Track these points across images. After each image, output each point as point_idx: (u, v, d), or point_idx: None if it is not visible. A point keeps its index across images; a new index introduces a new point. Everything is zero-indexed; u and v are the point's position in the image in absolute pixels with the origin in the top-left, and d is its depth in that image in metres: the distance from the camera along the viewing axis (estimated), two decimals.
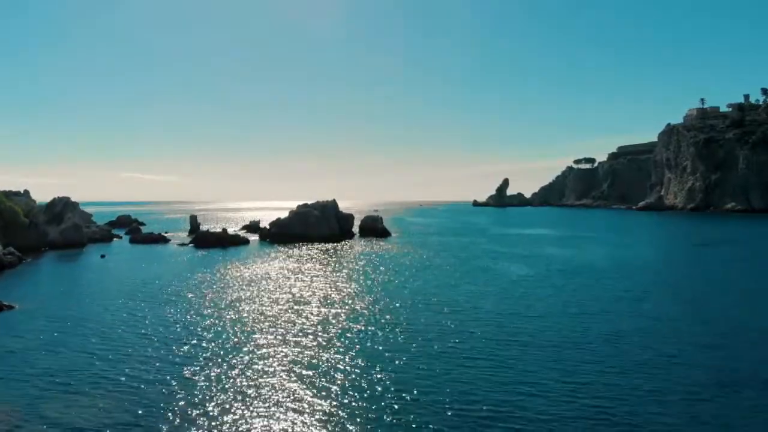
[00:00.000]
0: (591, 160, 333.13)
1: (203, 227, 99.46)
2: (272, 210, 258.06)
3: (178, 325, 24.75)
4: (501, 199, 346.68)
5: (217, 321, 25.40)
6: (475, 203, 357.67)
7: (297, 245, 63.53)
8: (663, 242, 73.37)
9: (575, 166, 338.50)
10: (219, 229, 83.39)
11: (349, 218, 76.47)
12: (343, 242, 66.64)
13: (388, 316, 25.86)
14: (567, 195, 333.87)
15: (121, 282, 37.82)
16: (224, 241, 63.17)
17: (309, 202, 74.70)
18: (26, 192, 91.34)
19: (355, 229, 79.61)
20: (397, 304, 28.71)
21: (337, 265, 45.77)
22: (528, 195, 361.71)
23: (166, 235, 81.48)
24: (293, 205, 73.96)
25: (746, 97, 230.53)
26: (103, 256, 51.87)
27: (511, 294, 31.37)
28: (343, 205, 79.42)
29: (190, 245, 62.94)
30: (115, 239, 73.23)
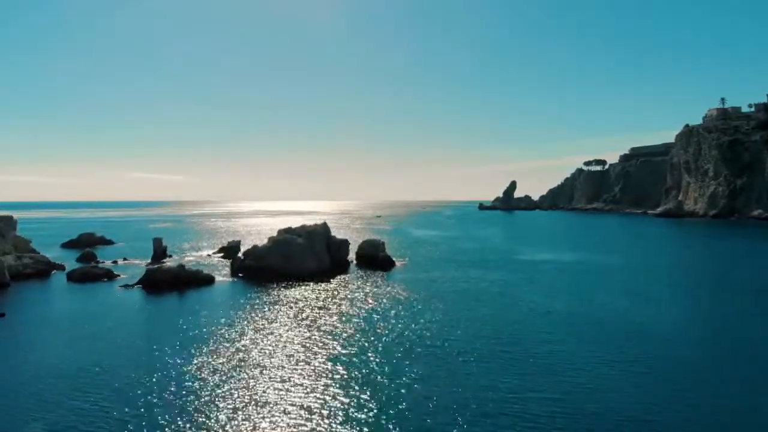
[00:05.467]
0: (602, 162, 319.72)
1: (181, 245, 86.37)
2: (275, 215, 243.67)
3: None
4: (508, 201, 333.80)
5: None
6: (481, 207, 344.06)
7: (274, 285, 49.87)
8: (736, 282, 59.42)
9: (585, 167, 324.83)
10: (191, 256, 70.30)
11: (343, 245, 62.64)
12: (333, 280, 52.91)
13: None
14: (577, 198, 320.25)
15: None
16: (181, 281, 49.49)
17: (293, 226, 60.92)
18: None
19: (352, 254, 66.06)
20: None
21: (309, 340, 32.28)
22: (535, 197, 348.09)
23: (124, 262, 68.16)
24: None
25: None
26: (2, 315, 38.14)
27: None
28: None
29: (138, 287, 49.26)
30: (55, 271, 59.57)
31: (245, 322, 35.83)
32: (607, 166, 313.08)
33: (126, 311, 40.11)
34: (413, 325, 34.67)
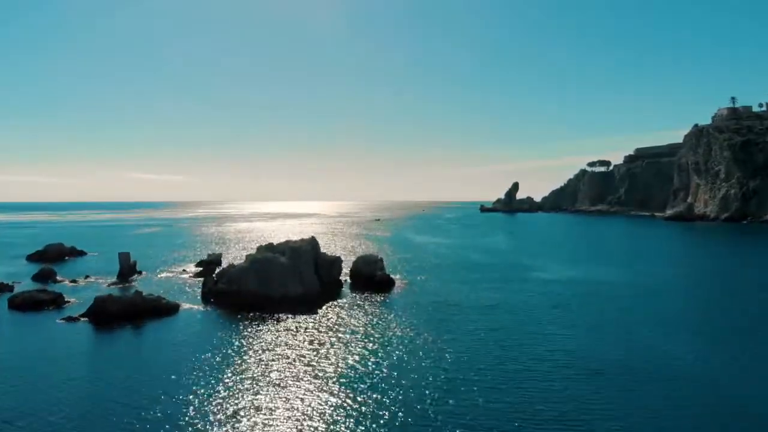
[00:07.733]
0: (606, 163, 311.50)
1: (158, 257, 77.95)
2: (272, 218, 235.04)
3: None
4: (510, 203, 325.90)
5: None
6: (483, 208, 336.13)
7: (250, 316, 41.59)
8: None
9: (589, 168, 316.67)
10: (164, 273, 61.61)
11: (335, 264, 54.33)
12: (321, 309, 44.55)
13: None
14: (580, 200, 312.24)
15: None
16: (138, 311, 41.25)
17: (275, 242, 52.67)
18: None
19: (346, 270, 57.93)
20: None
21: (284, 394, 24.17)
22: (536, 197, 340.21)
23: (86, 281, 59.88)
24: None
25: None
26: None
27: None
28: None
29: (85, 320, 40.93)
30: (0, 294, 51.34)
31: (206, 371, 27.60)
32: (611, 167, 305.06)
33: (57, 356, 31.86)
34: (417, 384, 26.45)
